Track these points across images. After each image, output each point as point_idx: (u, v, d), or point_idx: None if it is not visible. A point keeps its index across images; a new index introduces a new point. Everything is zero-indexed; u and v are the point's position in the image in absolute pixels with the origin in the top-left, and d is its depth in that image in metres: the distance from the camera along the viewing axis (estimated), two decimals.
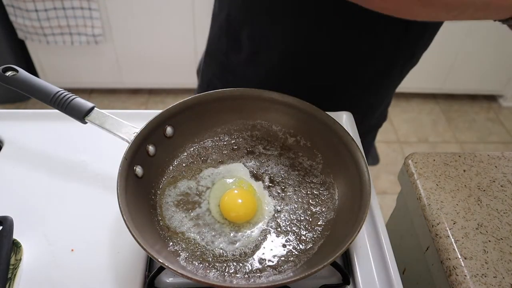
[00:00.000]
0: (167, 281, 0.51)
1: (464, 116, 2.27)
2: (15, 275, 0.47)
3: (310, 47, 0.69)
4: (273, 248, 0.52)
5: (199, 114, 0.62)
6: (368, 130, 0.93)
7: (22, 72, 0.60)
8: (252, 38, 0.71)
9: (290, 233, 0.53)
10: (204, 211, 0.55)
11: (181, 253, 0.51)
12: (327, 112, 0.61)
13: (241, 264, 0.50)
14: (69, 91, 0.59)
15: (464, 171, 0.64)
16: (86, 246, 0.54)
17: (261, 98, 0.63)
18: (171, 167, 0.60)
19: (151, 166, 0.57)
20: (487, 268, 0.52)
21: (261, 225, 0.54)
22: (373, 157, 1.97)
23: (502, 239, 0.55)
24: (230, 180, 0.58)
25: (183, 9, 1.91)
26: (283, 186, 0.59)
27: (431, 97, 2.35)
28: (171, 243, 0.52)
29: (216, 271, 0.49)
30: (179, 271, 0.42)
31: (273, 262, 0.50)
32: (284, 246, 0.52)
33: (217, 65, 0.80)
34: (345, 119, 0.72)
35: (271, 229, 0.54)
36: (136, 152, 0.54)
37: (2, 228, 0.49)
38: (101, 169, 0.63)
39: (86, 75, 2.17)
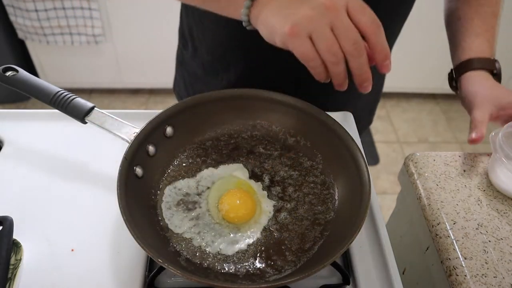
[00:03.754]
0: (167, 281, 0.51)
1: (464, 116, 2.25)
2: (15, 275, 0.47)
3: (233, 42, 0.72)
4: (273, 248, 0.52)
5: (199, 114, 0.62)
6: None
7: (22, 72, 0.60)
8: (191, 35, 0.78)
9: (290, 233, 0.53)
10: (204, 211, 0.55)
11: (181, 253, 0.51)
12: (327, 112, 0.61)
13: (241, 264, 0.50)
14: (69, 91, 0.59)
15: (464, 171, 0.64)
16: (86, 246, 0.54)
17: (261, 98, 0.63)
18: (171, 167, 0.60)
19: (151, 166, 0.57)
20: (487, 268, 0.52)
21: (261, 226, 0.54)
22: (373, 157, 1.97)
23: (502, 239, 0.55)
24: (230, 181, 0.58)
25: None
26: (283, 186, 0.59)
27: (431, 97, 2.35)
28: (171, 243, 0.52)
29: (216, 271, 0.49)
30: (179, 271, 0.42)
31: (273, 262, 0.50)
32: (284, 246, 0.52)
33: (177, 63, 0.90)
34: (345, 119, 0.72)
35: (270, 229, 0.54)
36: (136, 152, 0.54)
37: (2, 228, 0.49)
38: (101, 169, 0.63)
39: (86, 75, 2.17)
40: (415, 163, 0.66)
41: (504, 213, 0.58)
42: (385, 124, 2.19)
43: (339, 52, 0.42)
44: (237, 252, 0.51)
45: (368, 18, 0.42)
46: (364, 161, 0.54)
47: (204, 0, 0.53)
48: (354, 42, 0.42)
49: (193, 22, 0.76)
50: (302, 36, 0.42)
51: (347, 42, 0.42)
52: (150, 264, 0.52)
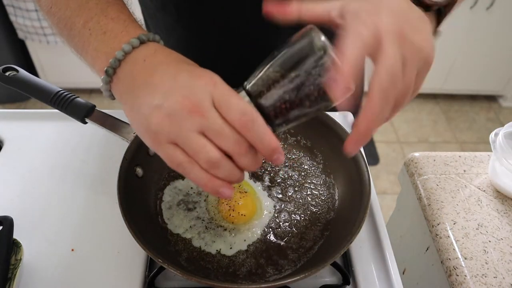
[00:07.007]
0: (167, 281, 0.51)
1: (464, 116, 2.27)
2: (15, 275, 0.47)
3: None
4: (273, 248, 0.52)
5: None
6: None
7: (22, 72, 0.60)
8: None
9: (290, 233, 0.53)
10: (204, 211, 0.55)
11: (181, 253, 0.51)
12: (327, 112, 0.61)
13: (241, 264, 0.50)
14: (69, 91, 0.59)
15: (464, 171, 0.64)
16: (86, 246, 0.54)
17: None
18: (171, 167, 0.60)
19: (151, 166, 0.57)
20: (487, 268, 0.52)
21: (260, 226, 0.54)
22: (373, 157, 1.97)
23: (502, 239, 0.55)
24: None
25: None
26: (283, 186, 0.59)
27: (431, 97, 2.35)
28: (171, 243, 0.52)
29: (216, 271, 0.49)
30: (179, 271, 0.42)
31: (273, 262, 0.50)
32: (284, 246, 0.52)
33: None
34: (345, 119, 0.72)
35: (271, 229, 0.54)
36: (136, 152, 0.54)
37: (2, 228, 0.49)
38: (101, 169, 0.63)
39: (86, 75, 2.15)
40: (415, 163, 0.66)
41: (504, 213, 0.58)
42: (385, 124, 2.18)
43: (214, 156, 0.35)
44: (237, 252, 0.51)
45: (235, 112, 0.34)
46: (364, 161, 0.54)
47: (75, 46, 0.45)
48: (234, 142, 0.35)
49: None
50: (164, 144, 0.36)
51: (225, 144, 0.35)
52: (150, 264, 0.52)
